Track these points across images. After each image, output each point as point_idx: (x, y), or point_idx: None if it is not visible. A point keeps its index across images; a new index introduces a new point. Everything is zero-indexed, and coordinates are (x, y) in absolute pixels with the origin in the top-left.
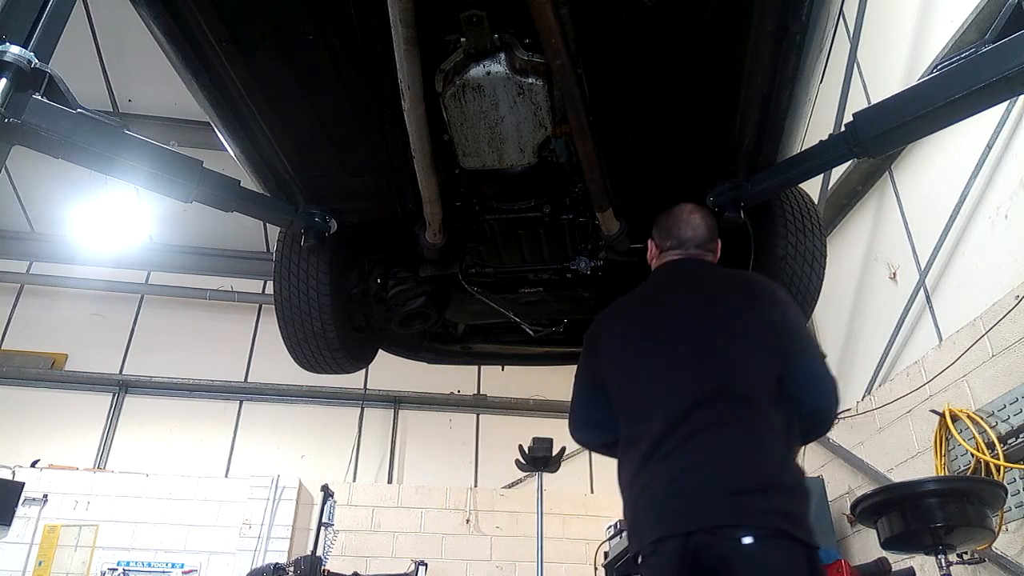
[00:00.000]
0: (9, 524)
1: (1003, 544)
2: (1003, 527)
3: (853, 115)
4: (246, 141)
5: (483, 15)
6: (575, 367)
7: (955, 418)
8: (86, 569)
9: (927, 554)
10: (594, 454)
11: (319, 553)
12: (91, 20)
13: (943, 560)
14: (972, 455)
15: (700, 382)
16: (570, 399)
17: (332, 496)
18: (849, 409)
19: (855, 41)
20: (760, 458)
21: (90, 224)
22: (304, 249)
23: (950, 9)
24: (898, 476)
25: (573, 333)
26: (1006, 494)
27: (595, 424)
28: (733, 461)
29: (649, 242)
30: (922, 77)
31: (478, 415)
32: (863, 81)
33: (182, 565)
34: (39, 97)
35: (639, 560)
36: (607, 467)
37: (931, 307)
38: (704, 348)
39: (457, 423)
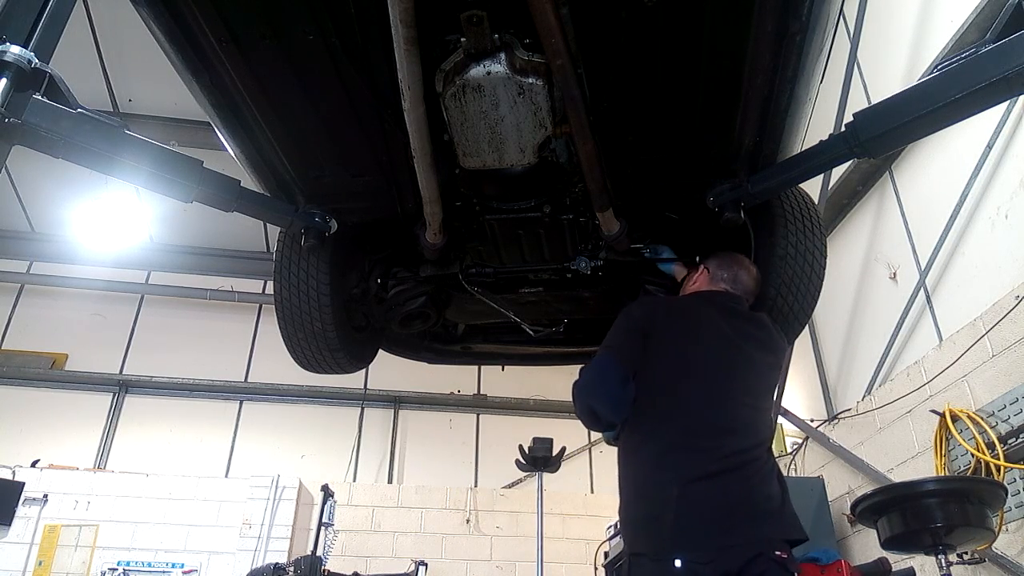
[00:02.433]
0: (9, 524)
1: (1003, 544)
2: (1003, 527)
3: (853, 115)
4: (246, 141)
5: (483, 15)
6: (576, 367)
7: (955, 418)
8: (86, 569)
9: (927, 554)
10: (594, 454)
11: (319, 553)
12: (91, 20)
13: (943, 560)
14: (972, 455)
15: (759, 423)
16: (594, 368)
17: (332, 496)
18: (849, 409)
19: (855, 41)
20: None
21: (90, 224)
22: (304, 249)
23: (950, 9)
24: (898, 476)
25: (573, 333)
26: (1006, 494)
27: (620, 402)
28: (777, 496)
29: (702, 267)
30: (922, 77)
31: (478, 415)
32: (863, 81)
33: (182, 565)
34: (39, 97)
35: (680, 562)
36: (607, 467)
37: (931, 307)
38: (759, 391)
39: (457, 423)
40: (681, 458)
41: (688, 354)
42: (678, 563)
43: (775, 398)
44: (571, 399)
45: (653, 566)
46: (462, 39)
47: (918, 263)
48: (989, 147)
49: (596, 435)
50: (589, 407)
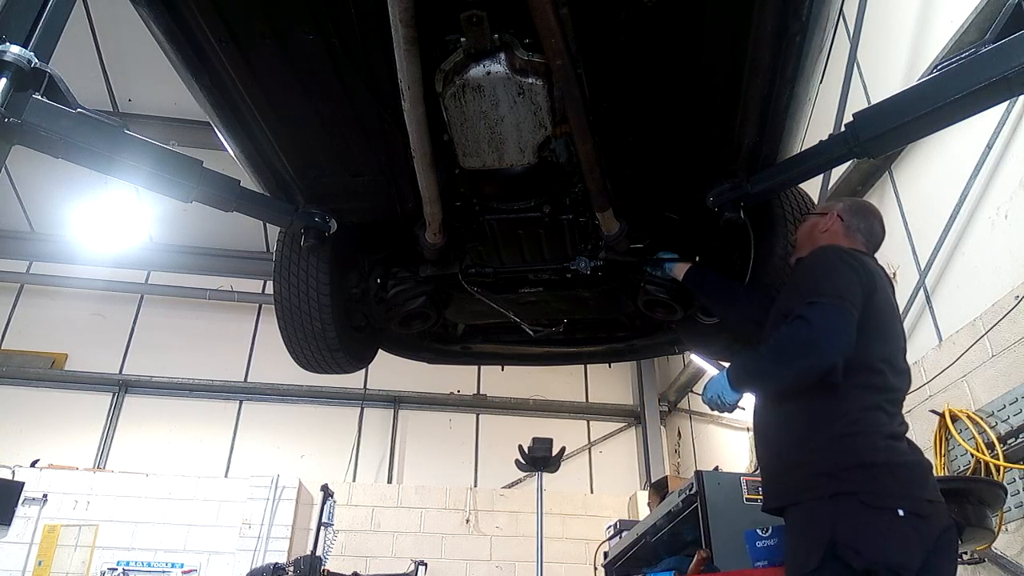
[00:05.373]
0: (9, 524)
1: (1003, 544)
2: (1003, 527)
3: (853, 115)
4: (246, 141)
5: (483, 15)
6: (575, 366)
7: (955, 418)
8: (86, 569)
9: None
10: (593, 454)
11: (319, 553)
12: (91, 20)
13: None
14: (972, 455)
15: None
16: (836, 318)
17: (332, 496)
18: None
19: (855, 41)
20: None
21: (90, 224)
22: (304, 249)
23: (950, 9)
24: None
25: (573, 333)
26: (1006, 494)
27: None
28: None
29: (833, 213)
30: (922, 77)
31: (478, 415)
32: (863, 81)
33: (182, 565)
34: (39, 97)
35: (903, 511)
36: (607, 467)
37: (931, 307)
38: None
39: (457, 423)
40: (879, 417)
41: (886, 320)
42: (901, 512)
43: None
44: (798, 348)
45: (871, 511)
46: (462, 39)
47: (918, 263)
48: (989, 147)
49: (596, 435)
50: (835, 364)
